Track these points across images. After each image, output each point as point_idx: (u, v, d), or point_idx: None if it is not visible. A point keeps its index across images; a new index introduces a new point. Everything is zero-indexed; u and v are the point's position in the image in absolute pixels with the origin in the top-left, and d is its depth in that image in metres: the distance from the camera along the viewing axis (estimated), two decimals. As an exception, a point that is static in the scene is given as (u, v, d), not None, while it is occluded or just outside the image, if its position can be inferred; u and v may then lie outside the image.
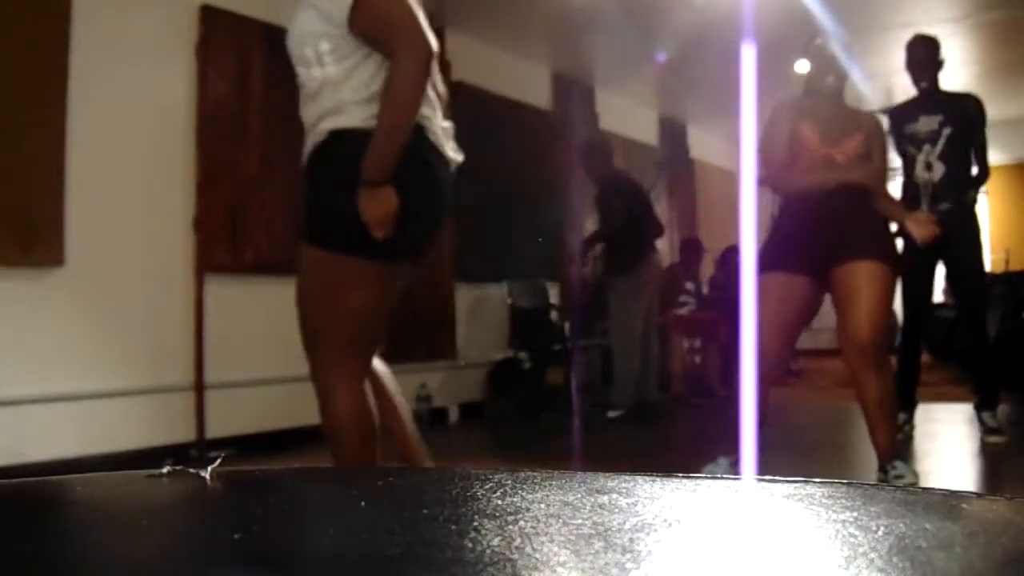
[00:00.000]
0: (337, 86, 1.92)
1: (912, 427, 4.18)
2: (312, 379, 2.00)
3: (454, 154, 2.05)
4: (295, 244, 2.12)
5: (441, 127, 2.02)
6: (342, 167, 1.89)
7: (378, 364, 2.17)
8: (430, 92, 1.98)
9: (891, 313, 3.20)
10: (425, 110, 1.95)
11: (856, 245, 2.79)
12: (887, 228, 2.93)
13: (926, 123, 3.92)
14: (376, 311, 2.01)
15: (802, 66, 3.07)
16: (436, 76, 2.03)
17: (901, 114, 4.04)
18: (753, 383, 2.83)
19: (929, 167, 3.90)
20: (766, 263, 2.92)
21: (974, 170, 4.01)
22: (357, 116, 1.91)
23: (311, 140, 1.96)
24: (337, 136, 1.92)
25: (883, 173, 2.98)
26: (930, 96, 3.97)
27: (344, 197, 1.87)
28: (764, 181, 2.98)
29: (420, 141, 1.93)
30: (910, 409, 4.15)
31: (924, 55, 3.97)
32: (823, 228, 2.82)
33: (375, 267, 1.94)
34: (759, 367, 2.84)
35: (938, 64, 3.97)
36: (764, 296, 2.90)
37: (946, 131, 3.86)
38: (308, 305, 2.00)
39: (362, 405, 1.97)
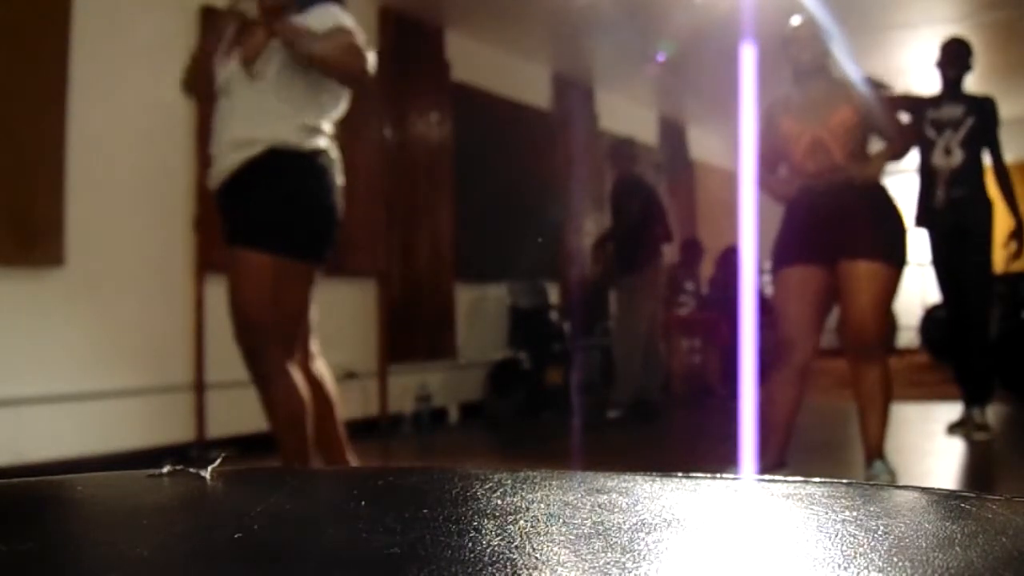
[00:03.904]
0: None
1: (971, 430, 4.02)
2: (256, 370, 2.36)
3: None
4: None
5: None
6: None
7: (321, 365, 2.45)
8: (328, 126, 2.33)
9: (890, 313, 3.20)
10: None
11: (858, 244, 2.78)
12: (893, 223, 2.84)
13: (949, 110, 3.93)
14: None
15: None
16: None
17: (924, 102, 4.05)
18: (786, 383, 2.84)
19: (948, 152, 3.90)
20: (781, 259, 2.93)
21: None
22: None
23: None
24: None
25: (897, 132, 2.93)
26: (954, 89, 4.00)
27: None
28: (761, 188, 2.98)
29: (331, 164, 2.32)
30: (969, 405, 4.06)
31: (954, 54, 4.01)
32: (826, 222, 2.82)
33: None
34: (790, 363, 2.84)
35: (967, 65, 4.01)
36: (785, 291, 2.90)
37: (969, 120, 3.89)
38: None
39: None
